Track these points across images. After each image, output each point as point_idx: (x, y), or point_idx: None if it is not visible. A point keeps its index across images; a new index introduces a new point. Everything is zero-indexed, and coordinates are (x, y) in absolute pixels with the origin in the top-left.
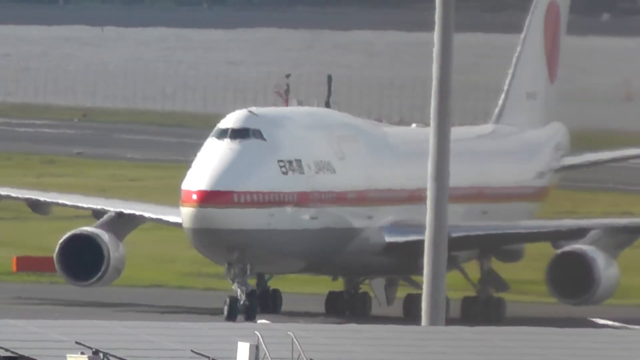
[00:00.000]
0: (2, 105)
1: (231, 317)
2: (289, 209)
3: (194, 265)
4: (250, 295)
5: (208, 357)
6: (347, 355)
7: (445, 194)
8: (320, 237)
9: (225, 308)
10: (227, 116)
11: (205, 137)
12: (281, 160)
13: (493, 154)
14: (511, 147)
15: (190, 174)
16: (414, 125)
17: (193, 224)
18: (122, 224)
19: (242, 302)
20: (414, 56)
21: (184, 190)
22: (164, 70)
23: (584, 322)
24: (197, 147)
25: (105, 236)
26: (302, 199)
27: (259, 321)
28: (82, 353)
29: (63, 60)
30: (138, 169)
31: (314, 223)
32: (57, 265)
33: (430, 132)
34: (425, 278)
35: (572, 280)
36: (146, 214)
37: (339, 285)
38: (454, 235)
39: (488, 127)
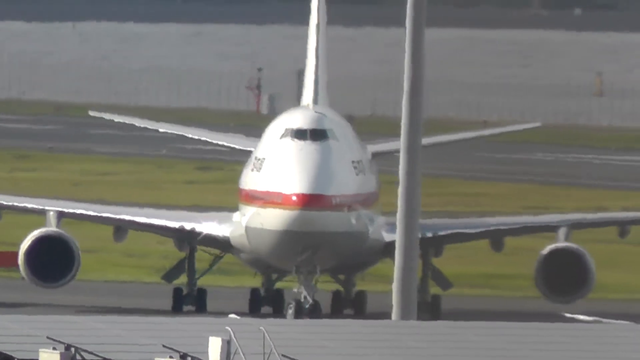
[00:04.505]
0: None
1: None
2: (363, 211)
3: (167, 260)
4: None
5: (179, 352)
6: (319, 350)
7: (417, 189)
8: (362, 237)
9: (291, 312)
10: (292, 115)
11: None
12: (354, 161)
13: None
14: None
15: (272, 174)
16: None
17: (291, 226)
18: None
19: (308, 306)
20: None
21: (281, 194)
22: (136, 65)
23: (554, 317)
24: (169, 141)
25: (69, 236)
26: (368, 200)
27: (229, 315)
28: (54, 348)
29: (35, 56)
30: (110, 164)
31: (367, 224)
32: (23, 270)
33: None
34: (396, 272)
35: (562, 277)
36: (87, 213)
37: (257, 281)
38: (441, 233)
39: None
